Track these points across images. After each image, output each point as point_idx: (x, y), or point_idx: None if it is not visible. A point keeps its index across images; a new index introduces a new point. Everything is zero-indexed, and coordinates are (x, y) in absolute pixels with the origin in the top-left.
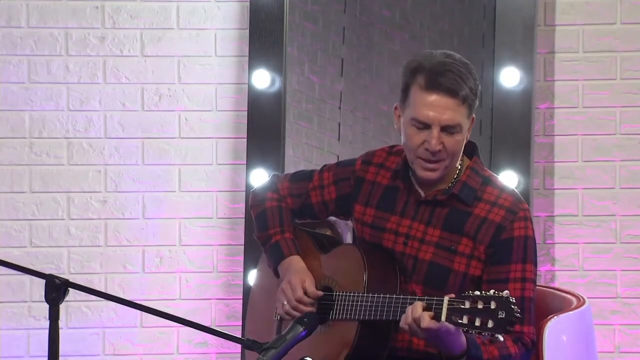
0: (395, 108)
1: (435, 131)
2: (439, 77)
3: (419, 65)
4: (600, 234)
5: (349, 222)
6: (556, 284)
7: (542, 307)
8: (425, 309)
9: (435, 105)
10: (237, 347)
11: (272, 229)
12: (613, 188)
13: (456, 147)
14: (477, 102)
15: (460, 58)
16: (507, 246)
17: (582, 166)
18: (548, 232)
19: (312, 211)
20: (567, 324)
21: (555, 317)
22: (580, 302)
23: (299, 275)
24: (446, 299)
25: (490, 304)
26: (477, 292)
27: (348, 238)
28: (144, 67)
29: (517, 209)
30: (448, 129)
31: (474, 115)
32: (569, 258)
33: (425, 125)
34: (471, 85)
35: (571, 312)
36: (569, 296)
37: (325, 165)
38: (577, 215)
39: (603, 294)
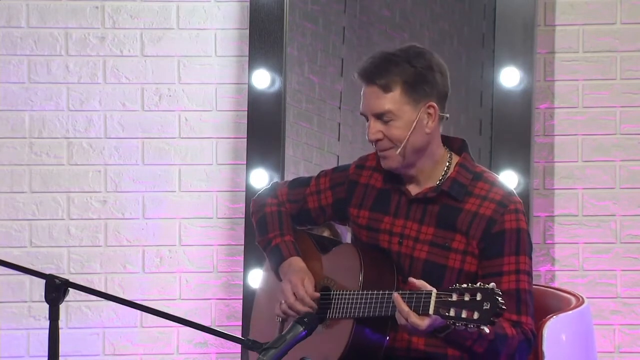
0: None
1: (370, 121)
2: (364, 68)
3: (361, 64)
4: (600, 234)
5: (348, 226)
6: (556, 284)
7: (542, 307)
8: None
9: (365, 96)
10: (237, 347)
11: (271, 232)
12: (613, 188)
13: (396, 135)
14: (427, 89)
15: (407, 48)
16: (499, 239)
17: (582, 166)
18: (548, 232)
19: (310, 216)
20: (566, 324)
21: (554, 316)
22: (580, 301)
23: (299, 275)
24: (434, 292)
25: (476, 295)
26: (464, 285)
27: (347, 238)
28: (144, 67)
29: (508, 202)
30: (380, 116)
31: (432, 103)
32: (569, 258)
33: (365, 118)
34: (404, 71)
35: (570, 312)
36: (568, 296)
37: (322, 171)
38: (577, 215)
39: (603, 294)
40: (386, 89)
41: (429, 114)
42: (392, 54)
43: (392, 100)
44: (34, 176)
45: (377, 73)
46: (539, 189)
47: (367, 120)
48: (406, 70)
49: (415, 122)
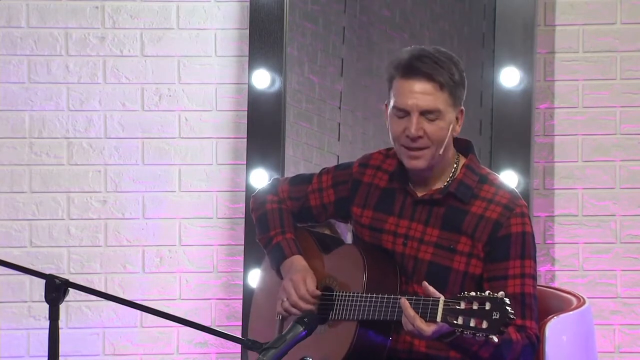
0: (385, 106)
1: (414, 117)
2: (416, 63)
3: (400, 58)
4: (600, 234)
5: (349, 224)
6: (556, 284)
7: (542, 307)
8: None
9: (413, 91)
10: (237, 347)
11: (273, 230)
12: (613, 188)
13: (438, 134)
14: (462, 93)
15: (445, 51)
16: (505, 243)
17: (582, 166)
18: (548, 232)
19: (311, 214)
20: (567, 324)
21: (555, 317)
22: (581, 302)
23: (300, 273)
24: (442, 299)
25: (485, 304)
26: (473, 293)
27: (347, 238)
28: (144, 67)
29: (514, 206)
30: (427, 114)
31: (462, 107)
32: (569, 258)
33: (405, 113)
34: (452, 72)
35: (571, 312)
36: (569, 296)
37: (324, 169)
38: (577, 215)
39: (603, 294)
40: (442, 87)
41: (457, 118)
42: (436, 54)
43: (442, 99)
44: (34, 176)
45: (435, 69)
46: (539, 189)
47: (404, 116)
48: (454, 71)
49: (451, 125)
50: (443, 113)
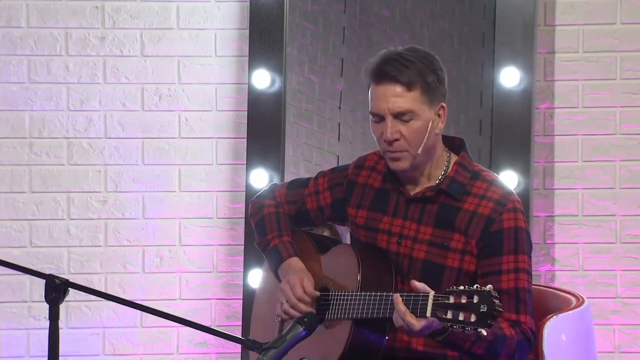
0: None
1: (387, 120)
2: (383, 67)
3: (371, 63)
4: (600, 234)
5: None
6: (556, 284)
7: (542, 307)
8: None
9: (383, 95)
10: (237, 347)
11: (270, 234)
12: (613, 188)
13: (415, 135)
14: (439, 90)
15: (420, 50)
16: (498, 238)
17: (582, 166)
18: (548, 232)
19: (308, 217)
20: (566, 324)
21: (554, 316)
22: (580, 301)
23: (297, 275)
24: (431, 294)
25: (473, 298)
26: (462, 287)
27: (347, 239)
28: (144, 67)
29: (506, 201)
30: (400, 116)
31: (443, 104)
32: (569, 258)
33: (380, 118)
34: (422, 71)
35: (570, 312)
36: (568, 296)
37: (320, 172)
38: (577, 215)
39: (603, 294)
40: (409, 87)
41: (439, 115)
42: (404, 54)
43: (413, 99)
44: (34, 176)
45: (399, 71)
46: (539, 189)
47: (380, 120)
48: (423, 70)
49: (430, 123)
50: (417, 113)
